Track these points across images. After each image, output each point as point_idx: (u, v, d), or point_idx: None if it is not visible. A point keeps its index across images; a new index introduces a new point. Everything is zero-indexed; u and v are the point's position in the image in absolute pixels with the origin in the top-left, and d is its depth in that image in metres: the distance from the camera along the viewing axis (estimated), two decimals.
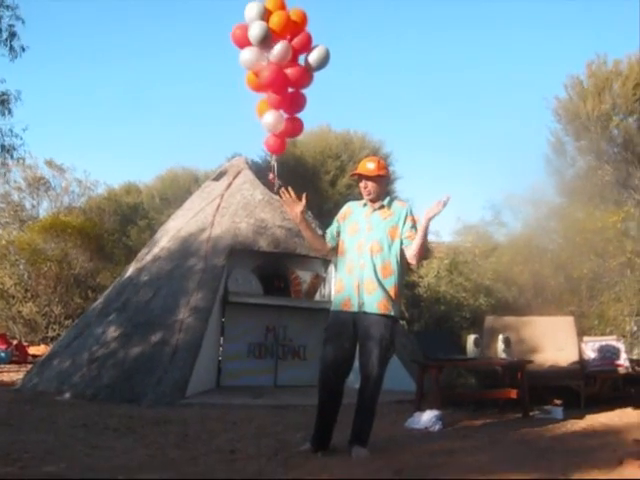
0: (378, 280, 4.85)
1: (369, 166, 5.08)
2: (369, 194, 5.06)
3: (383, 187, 5.11)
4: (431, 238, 16.75)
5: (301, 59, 8.54)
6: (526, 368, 7.45)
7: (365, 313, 4.82)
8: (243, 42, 7.77)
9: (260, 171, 11.60)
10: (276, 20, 7.68)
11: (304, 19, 8.13)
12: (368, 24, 46.31)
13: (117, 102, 46.41)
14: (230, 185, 10.33)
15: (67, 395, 8.03)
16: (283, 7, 8.10)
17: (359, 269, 4.89)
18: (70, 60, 44.49)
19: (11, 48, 9.70)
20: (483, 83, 44.96)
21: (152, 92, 46.98)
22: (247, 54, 7.68)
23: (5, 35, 9.65)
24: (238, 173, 10.61)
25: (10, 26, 9.65)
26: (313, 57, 7.70)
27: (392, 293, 4.86)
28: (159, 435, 5.65)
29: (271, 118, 7.53)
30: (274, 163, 8.77)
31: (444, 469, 4.41)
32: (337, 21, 42.61)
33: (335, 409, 4.86)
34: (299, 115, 9.13)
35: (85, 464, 4.45)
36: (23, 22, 9.80)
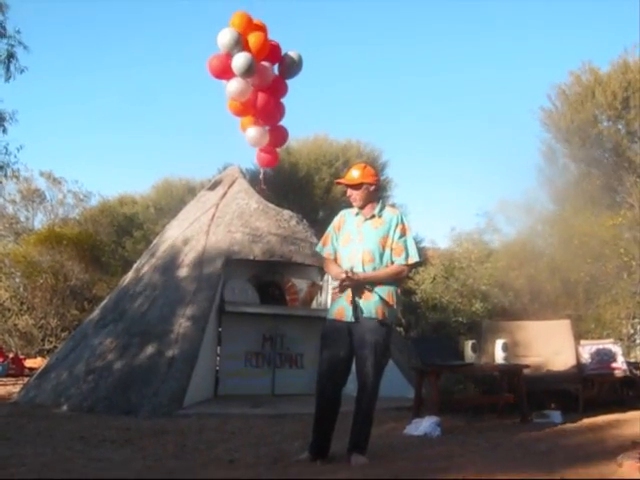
0: (372, 289, 4.85)
1: (353, 174, 5.09)
2: (355, 202, 5.06)
3: (370, 194, 5.06)
4: (427, 245, 16.81)
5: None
6: (523, 373, 7.45)
7: (360, 321, 4.80)
8: (221, 72, 7.69)
9: (255, 180, 11.62)
10: (254, 41, 7.56)
11: (265, 29, 8.05)
12: (358, 31, 46.49)
13: (111, 113, 46.41)
14: (225, 194, 10.32)
15: (64, 407, 8.00)
16: (251, 24, 7.98)
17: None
18: (64, 71, 44.55)
19: (8, 69, 9.66)
20: (477, 89, 45.09)
21: (146, 102, 47.04)
22: (234, 85, 7.60)
23: (4, 55, 9.61)
24: (233, 182, 10.60)
25: (11, 46, 9.63)
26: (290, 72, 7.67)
27: (388, 300, 4.85)
28: (157, 446, 5.63)
29: (254, 133, 7.47)
30: (262, 176, 8.72)
31: (443, 473, 4.41)
32: (327, 27, 42.84)
33: (332, 417, 4.84)
34: (282, 123, 9.12)
35: (83, 476, 4.44)
36: (25, 47, 9.80)
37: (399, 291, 5.02)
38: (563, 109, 14.66)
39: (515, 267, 11.65)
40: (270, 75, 7.85)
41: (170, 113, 46.92)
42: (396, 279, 4.95)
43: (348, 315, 4.84)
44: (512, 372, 7.57)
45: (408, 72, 46.02)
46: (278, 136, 8.47)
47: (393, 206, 5.55)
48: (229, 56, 7.90)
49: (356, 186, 5.04)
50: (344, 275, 4.79)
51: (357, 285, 4.83)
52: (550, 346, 8.36)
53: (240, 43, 7.72)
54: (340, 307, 4.91)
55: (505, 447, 5.64)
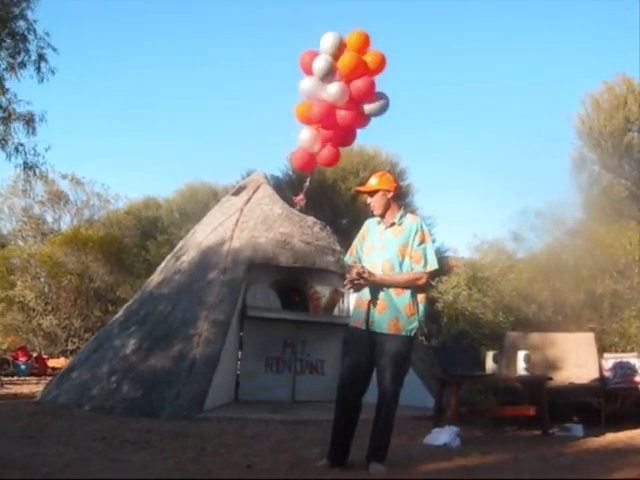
0: (390, 299, 4.82)
1: (371, 182, 5.10)
2: (374, 209, 5.05)
3: (388, 201, 5.03)
4: (450, 254, 16.72)
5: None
6: (546, 385, 7.39)
7: (376, 332, 4.81)
8: (309, 69, 7.45)
9: (279, 185, 11.65)
10: (347, 61, 7.25)
11: (381, 63, 7.67)
12: (387, 37, 46.44)
13: (135, 116, 46.80)
14: (249, 200, 10.37)
15: (86, 408, 8.07)
16: (365, 46, 7.63)
17: (372, 288, 4.85)
18: (90, 75, 44.95)
19: (39, 70, 9.89)
20: (505, 98, 44.91)
21: (171, 106, 47.31)
22: (308, 84, 7.38)
23: (34, 57, 9.84)
24: (257, 188, 10.65)
25: (40, 47, 9.86)
26: (370, 107, 7.28)
27: (406, 311, 4.81)
28: (177, 449, 5.65)
29: (307, 134, 7.20)
30: (307, 184, 8.44)
31: None
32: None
33: (351, 424, 4.82)
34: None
35: (104, 478, 4.47)
36: (54, 50, 10.01)
37: (422, 299, 4.92)
38: (595, 116, 14.58)
39: (539, 279, 11.56)
40: (344, 97, 7.53)
41: (195, 117, 47.20)
42: (414, 286, 4.86)
43: (365, 323, 4.84)
44: (535, 384, 7.51)
45: (434, 80, 45.96)
46: (329, 155, 8.18)
47: (414, 213, 5.42)
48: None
49: (373, 193, 5.05)
50: (356, 272, 4.79)
51: (374, 289, 4.82)
52: (573, 359, 8.29)
53: (337, 50, 7.43)
54: (359, 315, 4.90)
55: (525, 460, 5.59)
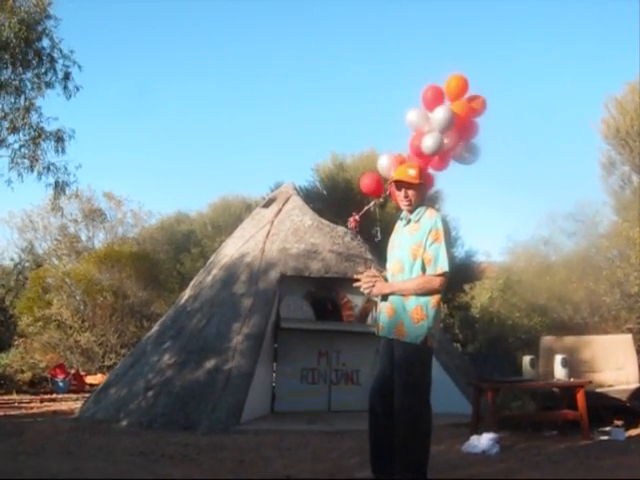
0: (398, 303, 4.50)
1: (411, 172, 4.64)
2: (410, 204, 4.64)
3: (422, 196, 4.69)
4: (481, 258, 16.57)
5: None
6: (584, 388, 7.29)
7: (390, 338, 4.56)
8: (431, 104, 7.25)
9: (309, 196, 11.66)
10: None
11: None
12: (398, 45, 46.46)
13: (168, 131, 47.23)
14: (280, 211, 10.40)
15: (124, 423, 8.13)
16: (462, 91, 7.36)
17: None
18: (122, 93, 45.51)
19: (65, 88, 10.24)
20: (531, 101, 44.61)
21: (201, 121, 47.70)
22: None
23: (60, 75, 10.19)
24: (287, 199, 10.68)
25: (65, 66, 10.21)
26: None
27: (413, 316, 4.42)
28: (215, 462, 5.67)
29: (431, 141, 6.93)
30: (372, 208, 8.08)
31: None
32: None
33: (385, 434, 4.49)
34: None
35: None
36: (80, 67, 10.38)
37: (434, 304, 4.45)
38: (619, 119, 14.40)
39: (574, 280, 11.45)
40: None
41: (226, 131, 47.54)
42: (427, 291, 4.43)
43: (383, 330, 4.63)
44: (573, 388, 7.41)
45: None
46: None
47: (433, 208, 4.83)
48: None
49: (414, 186, 4.62)
50: (365, 280, 4.61)
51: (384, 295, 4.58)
52: (611, 361, 8.18)
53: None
54: (379, 320, 4.69)
55: (566, 465, 5.53)
